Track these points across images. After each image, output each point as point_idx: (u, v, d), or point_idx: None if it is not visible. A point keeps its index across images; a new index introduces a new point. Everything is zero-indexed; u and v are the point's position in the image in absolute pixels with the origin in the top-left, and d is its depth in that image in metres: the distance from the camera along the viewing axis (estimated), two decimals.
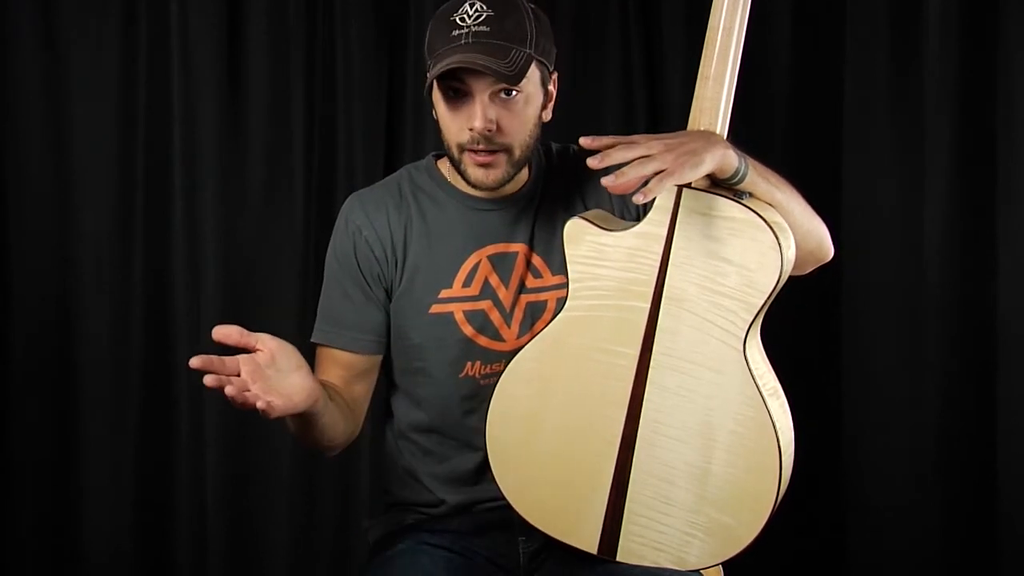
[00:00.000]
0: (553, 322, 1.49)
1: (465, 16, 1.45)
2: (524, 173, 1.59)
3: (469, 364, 1.56)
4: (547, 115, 1.55)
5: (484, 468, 1.54)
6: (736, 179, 1.40)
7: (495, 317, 1.56)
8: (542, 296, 1.57)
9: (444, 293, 1.55)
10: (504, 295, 1.56)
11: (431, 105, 1.53)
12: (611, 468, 1.44)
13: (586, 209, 1.57)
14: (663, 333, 1.41)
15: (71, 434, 2.40)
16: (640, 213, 1.55)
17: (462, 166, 1.50)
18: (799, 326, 2.33)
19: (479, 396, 1.55)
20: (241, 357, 1.29)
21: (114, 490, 2.41)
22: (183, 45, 2.36)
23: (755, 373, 1.38)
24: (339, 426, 1.50)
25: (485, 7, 1.45)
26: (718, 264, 1.38)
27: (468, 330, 1.55)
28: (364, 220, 1.56)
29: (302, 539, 2.46)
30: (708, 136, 1.39)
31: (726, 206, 1.38)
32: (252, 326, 2.46)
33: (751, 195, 1.42)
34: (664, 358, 1.41)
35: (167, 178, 2.39)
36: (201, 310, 2.40)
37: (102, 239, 2.39)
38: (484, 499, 1.59)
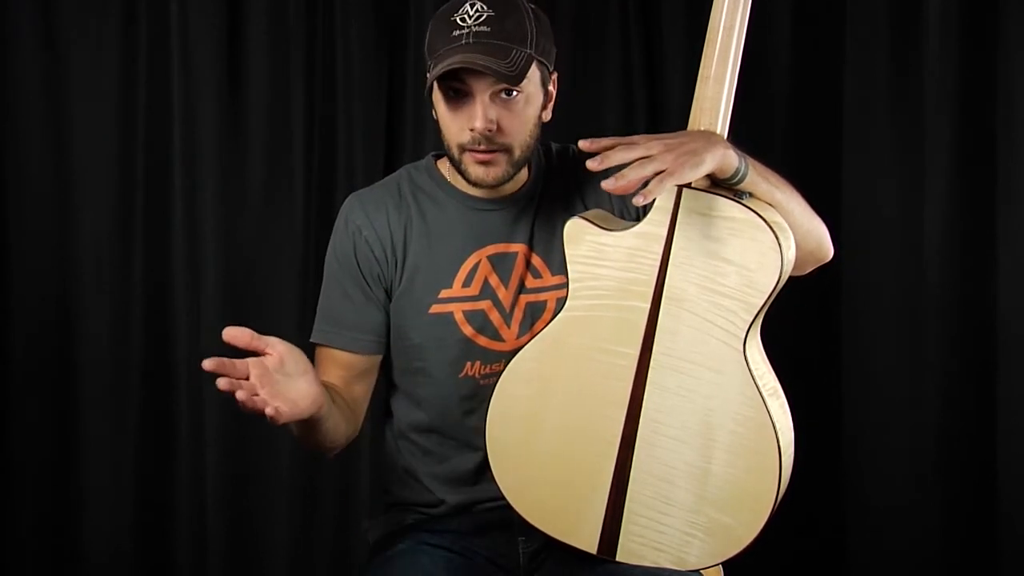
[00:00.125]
0: (553, 322, 1.49)
1: (466, 16, 1.45)
2: (524, 173, 1.59)
3: (469, 364, 1.56)
4: (547, 115, 1.55)
5: (484, 468, 1.54)
6: (736, 179, 1.40)
7: (495, 317, 1.56)
8: (542, 296, 1.57)
9: (444, 293, 1.55)
10: (504, 295, 1.56)
11: (431, 105, 1.53)
12: (611, 468, 1.44)
13: (586, 209, 1.57)
14: (663, 333, 1.41)
15: (71, 434, 2.40)
16: (640, 213, 1.55)
17: (462, 165, 1.50)
18: (799, 326, 2.33)
19: (479, 396, 1.55)
20: (250, 360, 1.29)
21: (114, 490, 2.41)
22: (183, 45, 2.36)
23: (755, 373, 1.38)
24: (340, 428, 1.50)
25: (486, 7, 1.45)
26: (718, 264, 1.38)
27: (468, 330, 1.55)
28: (364, 220, 1.56)
29: (302, 539, 2.46)
30: (708, 136, 1.39)
31: (726, 206, 1.38)
32: (252, 326, 2.46)
33: (751, 195, 1.42)
34: (664, 358, 1.41)
35: (167, 178, 2.39)
36: (201, 310, 2.40)
37: (102, 239, 2.39)
38: (484, 499, 1.59)
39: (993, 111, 2.25)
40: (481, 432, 1.51)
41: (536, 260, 1.57)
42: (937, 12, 2.26)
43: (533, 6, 1.50)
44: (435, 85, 1.47)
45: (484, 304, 1.56)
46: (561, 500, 1.48)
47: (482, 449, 1.52)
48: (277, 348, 1.31)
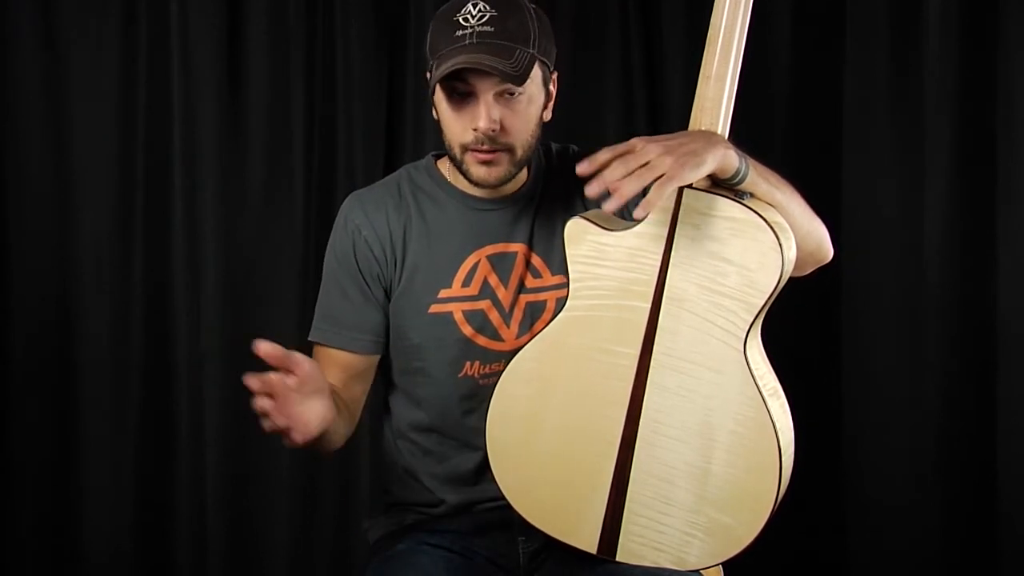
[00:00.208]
0: (553, 322, 1.49)
1: (468, 16, 1.45)
2: (523, 173, 1.59)
3: (468, 364, 1.56)
4: (547, 115, 1.55)
5: (484, 468, 1.54)
6: (737, 179, 1.40)
7: (494, 317, 1.56)
8: (541, 296, 1.57)
9: (443, 293, 1.55)
10: (503, 295, 1.56)
11: (432, 105, 1.54)
12: (611, 468, 1.44)
13: (585, 209, 1.57)
14: (663, 333, 1.41)
15: (71, 434, 2.40)
16: None
17: (464, 165, 1.50)
18: (799, 326, 2.32)
19: (478, 396, 1.55)
20: (273, 377, 1.30)
21: (114, 490, 2.41)
22: (183, 45, 2.36)
23: (755, 373, 1.38)
24: (340, 432, 1.51)
25: (488, 7, 1.45)
26: (719, 264, 1.38)
27: (467, 330, 1.55)
28: (363, 220, 1.56)
29: (302, 539, 2.46)
30: (709, 136, 1.39)
31: (727, 206, 1.38)
32: (252, 326, 2.48)
33: (752, 195, 1.42)
34: (664, 358, 1.41)
35: (167, 178, 2.39)
36: (201, 310, 2.40)
37: (102, 239, 2.39)
38: (484, 499, 1.59)
39: (993, 111, 2.25)
40: (481, 432, 1.51)
41: (536, 260, 1.57)
42: (937, 12, 2.26)
43: (534, 6, 1.50)
44: (437, 85, 1.47)
45: (483, 304, 1.56)
46: (561, 500, 1.48)
47: (482, 449, 1.53)
48: (303, 369, 1.31)
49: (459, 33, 1.44)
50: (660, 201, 1.30)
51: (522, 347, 1.51)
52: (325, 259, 1.61)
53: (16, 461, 2.39)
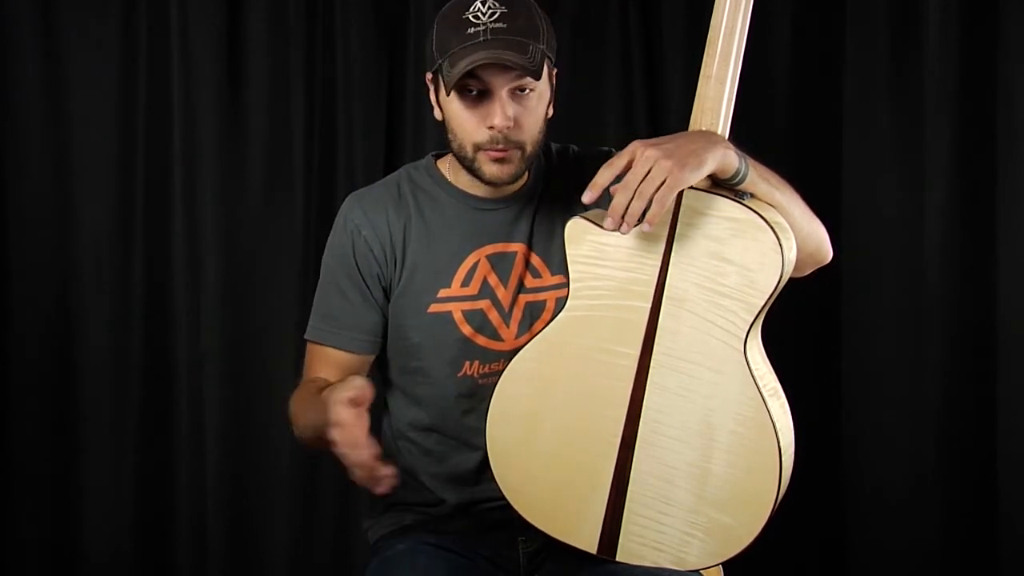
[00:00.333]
0: (553, 322, 1.49)
1: (479, 14, 1.44)
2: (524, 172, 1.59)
3: (467, 363, 1.56)
4: (550, 112, 1.55)
5: (484, 467, 1.54)
6: (737, 179, 1.40)
7: (494, 317, 1.56)
8: (541, 296, 1.57)
9: (443, 292, 1.55)
10: (503, 295, 1.56)
11: (434, 105, 1.53)
12: (611, 468, 1.44)
13: (585, 209, 1.57)
14: (664, 333, 1.41)
15: (71, 434, 2.40)
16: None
17: (476, 164, 1.49)
18: (799, 326, 2.32)
19: (478, 395, 1.55)
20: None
21: (114, 490, 2.42)
22: (183, 45, 2.36)
23: (755, 373, 1.38)
24: None
25: (497, 4, 1.44)
26: (719, 264, 1.38)
27: (467, 329, 1.55)
28: (363, 219, 1.56)
29: (302, 539, 2.46)
30: (709, 136, 1.39)
31: (727, 206, 1.38)
32: (252, 326, 2.48)
33: (752, 195, 1.42)
34: (664, 358, 1.41)
35: (167, 178, 2.39)
36: (201, 310, 2.40)
37: (102, 239, 2.39)
38: (484, 499, 1.59)
39: (993, 111, 2.25)
40: (480, 431, 1.52)
41: (535, 260, 1.57)
42: (937, 12, 2.26)
43: (535, 3, 1.50)
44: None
45: (483, 304, 1.56)
46: (561, 500, 1.48)
47: (482, 448, 1.53)
48: (366, 393, 1.30)
49: (471, 31, 1.43)
50: (663, 212, 1.31)
51: (521, 347, 1.51)
52: (323, 259, 1.61)
53: (16, 461, 2.39)
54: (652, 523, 1.43)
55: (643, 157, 1.33)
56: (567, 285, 1.48)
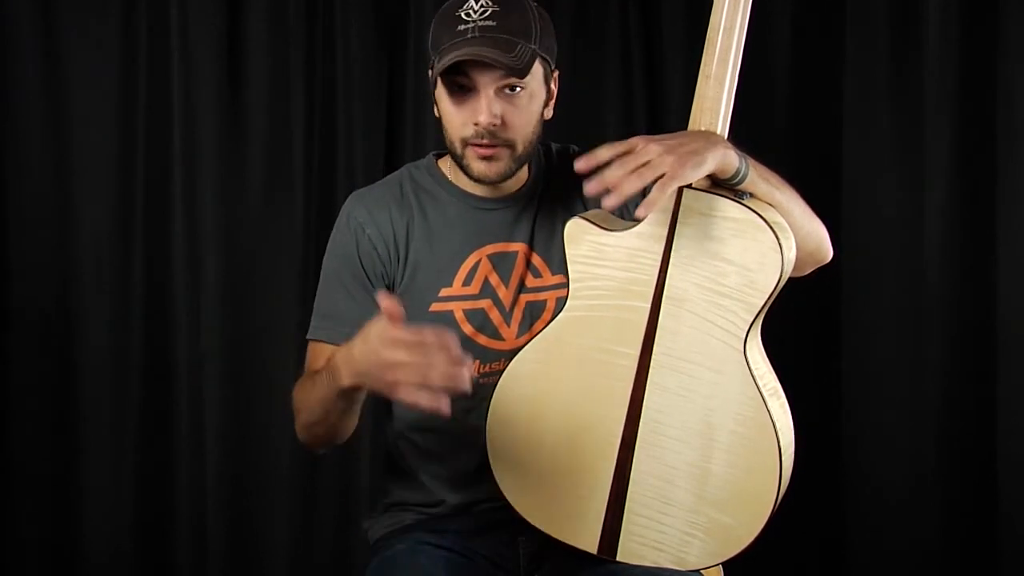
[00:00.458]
0: (554, 322, 1.49)
1: (471, 11, 1.45)
2: (524, 172, 1.59)
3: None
4: (548, 113, 1.56)
5: (484, 467, 1.54)
6: (737, 179, 1.40)
7: (494, 316, 1.56)
8: (542, 296, 1.57)
9: (444, 291, 1.55)
10: (504, 294, 1.56)
11: (434, 102, 1.54)
12: (611, 468, 1.44)
13: (586, 209, 1.57)
14: (663, 333, 1.41)
15: (71, 434, 2.40)
16: None
17: (464, 160, 1.50)
18: (799, 326, 2.33)
19: (478, 394, 1.54)
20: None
21: (114, 490, 2.42)
22: (183, 45, 2.36)
23: (755, 373, 1.38)
24: (357, 416, 1.50)
25: (490, 2, 1.45)
26: (719, 264, 1.38)
27: (467, 329, 1.55)
28: (367, 217, 1.56)
29: (302, 539, 2.46)
30: (708, 136, 1.39)
31: (727, 206, 1.38)
32: (252, 326, 2.48)
33: (752, 195, 1.42)
34: (664, 358, 1.41)
35: (167, 178, 2.39)
36: (201, 310, 2.40)
37: (102, 239, 2.39)
38: (484, 499, 1.59)
39: (993, 111, 2.26)
40: (480, 430, 1.51)
41: (536, 259, 1.57)
42: (937, 12, 2.26)
43: (535, 3, 1.51)
44: (439, 80, 1.47)
45: (484, 303, 1.56)
46: (561, 500, 1.48)
47: (481, 447, 1.52)
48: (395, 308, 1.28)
49: (461, 27, 1.45)
50: (662, 200, 1.30)
51: (522, 347, 1.51)
52: (325, 258, 1.60)
53: (16, 461, 2.39)
54: (652, 523, 1.43)
55: (645, 149, 1.33)
56: (567, 285, 1.48)
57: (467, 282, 1.55)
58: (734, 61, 1.44)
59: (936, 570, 2.34)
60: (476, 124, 1.46)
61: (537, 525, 1.50)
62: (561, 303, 1.50)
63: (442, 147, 1.56)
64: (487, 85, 1.45)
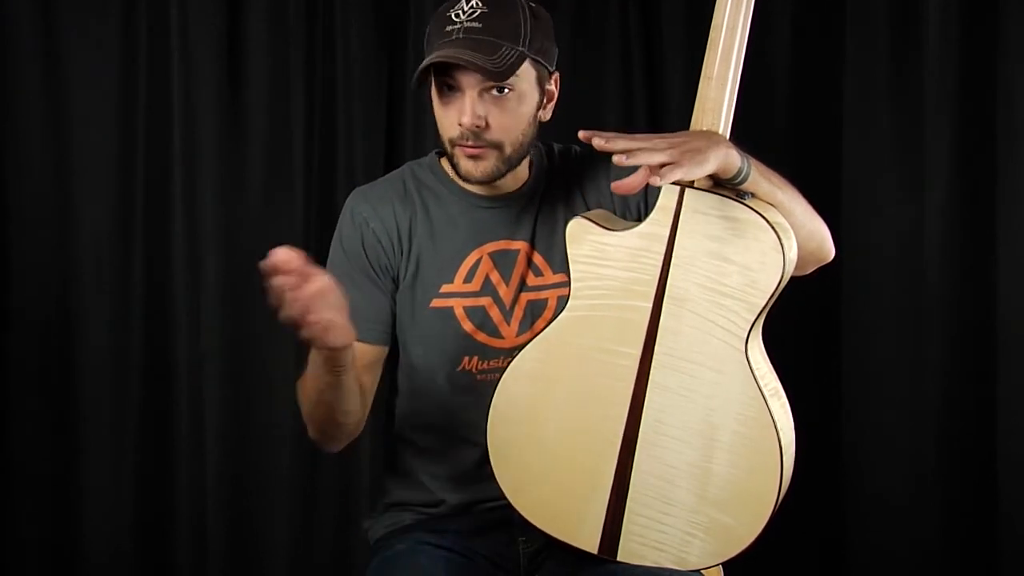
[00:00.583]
0: (555, 321, 1.49)
1: (460, 12, 1.46)
2: (525, 172, 1.59)
3: (467, 359, 1.56)
4: (546, 115, 1.55)
5: (483, 465, 1.54)
6: (739, 179, 1.40)
7: (495, 314, 1.56)
8: (543, 294, 1.57)
9: (445, 288, 1.55)
10: (505, 292, 1.56)
11: (431, 103, 1.54)
12: (612, 468, 1.44)
13: (587, 208, 1.57)
14: (665, 333, 1.41)
15: (71, 434, 2.40)
16: (642, 213, 1.56)
17: (454, 159, 1.51)
18: (799, 326, 2.33)
19: (476, 391, 1.55)
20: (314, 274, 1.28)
21: (114, 490, 2.41)
22: (183, 45, 2.36)
23: (757, 373, 1.38)
24: (356, 397, 1.47)
25: (481, 4, 1.45)
26: (720, 264, 1.38)
27: (468, 326, 1.55)
28: (370, 212, 1.57)
29: (302, 539, 2.46)
30: (711, 136, 1.39)
31: (729, 206, 1.38)
32: (252, 326, 2.47)
33: (753, 195, 1.42)
34: (666, 358, 1.41)
35: (167, 178, 2.39)
36: (201, 310, 2.40)
37: (102, 239, 2.39)
38: (484, 499, 1.59)
39: (993, 111, 2.26)
40: (479, 428, 1.51)
41: (537, 258, 1.57)
42: (937, 12, 2.26)
43: (533, 4, 1.50)
44: (433, 80, 1.47)
45: (484, 300, 1.56)
46: (562, 500, 1.48)
47: (480, 445, 1.52)
48: (322, 279, 1.30)
49: (448, 28, 1.46)
50: (665, 182, 1.29)
51: (521, 345, 1.51)
52: (330, 255, 1.60)
53: (16, 461, 2.39)
54: (653, 523, 1.43)
55: (651, 142, 1.33)
56: (569, 284, 1.48)
57: (468, 279, 1.55)
58: (736, 61, 1.44)
59: (936, 570, 2.34)
60: (460, 124, 1.46)
61: (538, 524, 1.50)
62: (562, 302, 1.50)
63: (442, 146, 1.56)
64: (471, 87, 1.46)
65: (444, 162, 1.61)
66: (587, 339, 1.46)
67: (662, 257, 1.41)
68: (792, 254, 1.39)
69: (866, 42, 2.34)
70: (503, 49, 1.44)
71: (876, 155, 2.35)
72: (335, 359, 1.37)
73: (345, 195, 1.64)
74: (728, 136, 1.44)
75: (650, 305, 1.42)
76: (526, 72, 1.48)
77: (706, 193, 1.40)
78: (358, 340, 1.55)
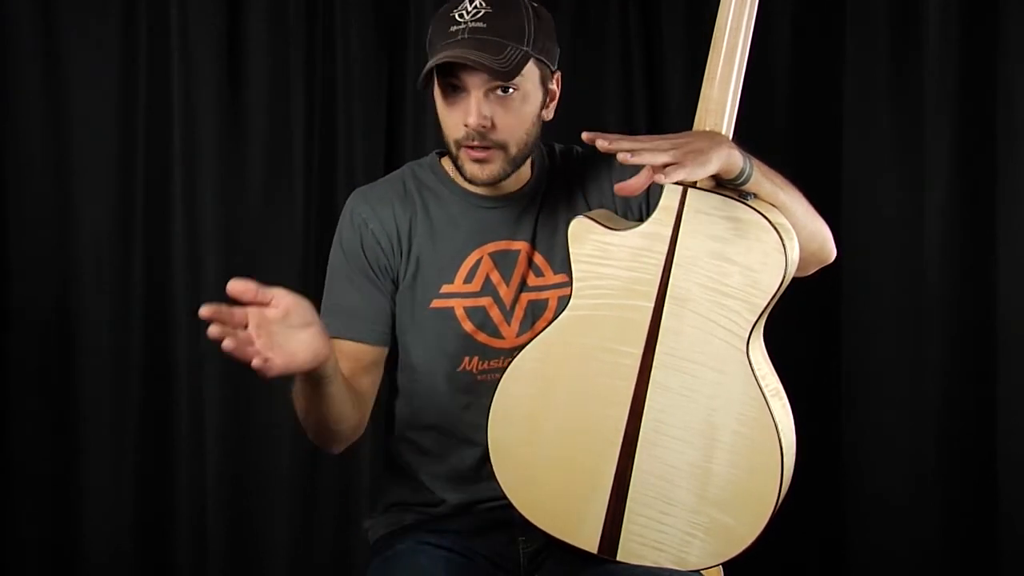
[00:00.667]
0: (556, 321, 1.49)
1: (464, 12, 1.45)
2: (526, 172, 1.59)
3: (467, 359, 1.56)
4: (548, 114, 1.55)
5: (483, 465, 1.54)
6: (741, 180, 1.40)
7: (495, 314, 1.56)
8: (543, 295, 1.57)
9: (445, 288, 1.55)
10: (505, 292, 1.56)
11: (432, 104, 1.54)
12: (612, 468, 1.44)
13: (588, 208, 1.57)
14: (666, 333, 1.41)
15: (71, 434, 2.40)
16: (644, 213, 1.56)
17: (459, 161, 1.51)
18: (799, 326, 2.33)
19: (476, 391, 1.55)
20: (250, 310, 1.24)
21: (114, 490, 2.41)
22: (183, 45, 2.36)
23: (758, 374, 1.38)
24: (347, 404, 1.46)
25: (484, 4, 1.45)
26: (722, 264, 1.38)
27: (468, 326, 1.55)
28: (370, 213, 1.57)
29: (302, 539, 2.46)
30: (713, 136, 1.39)
31: (731, 207, 1.38)
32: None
33: (756, 196, 1.42)
34: (667, 358, 1.41)
35: (167, 178, 2.39)
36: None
37: (102, 239, 2.39)
38: (484, 499, 1.59)
39: (993, 111, 2.26)
40: (479, 428, 1.51)
41: (538, 258, 1.57)
42: (937, 12, 2.26)
43: (535, 4, 1.50)
44: (435, 81, 1.47)
45: (485, 301, 1.56)
46: (562, 499, 1.48)
47: (481, 445, 1.52)
48: (283, 301, 1.25)
49: (453, 28, 1.45)
50: (669, 180, 1.29)
51: (522, 345, 1.51)
52: (330, 256, 1.60)
53: (16, 461, 2.39)
54: (653, 523, 1.43)
55: (654, 143, 1.32)
56: (569, 284, 1.48)
57: (468, 279, 1.55)
58: (740, 62, 1.44)
59: (936, 570, 2.34)
60: (466, 125, 1.46)
61: (538, 524, 1.50)
62: (563, 302, 1.50)
63: (443, 146, 1.56)
64: (477, 87, 1.45)
65: (445, 162, 1.61)
66: (588, 339, 1.46)
67: (664, 257, 1.41)
68: (794, 255, 1.39)
69: (866, 42, 2.34)
70: (508, 49, 1.43)
71: (876, 155, 2.35)
72: (312, 375, 1.35)
73: (345, 195, 1.64)
74: (731, 137, 1.44)
75: (652, 305, 1.42)
76: (530, 72, 1.48)
77: (709, 193, 1.40)
78: (360, 342, 1.55)
